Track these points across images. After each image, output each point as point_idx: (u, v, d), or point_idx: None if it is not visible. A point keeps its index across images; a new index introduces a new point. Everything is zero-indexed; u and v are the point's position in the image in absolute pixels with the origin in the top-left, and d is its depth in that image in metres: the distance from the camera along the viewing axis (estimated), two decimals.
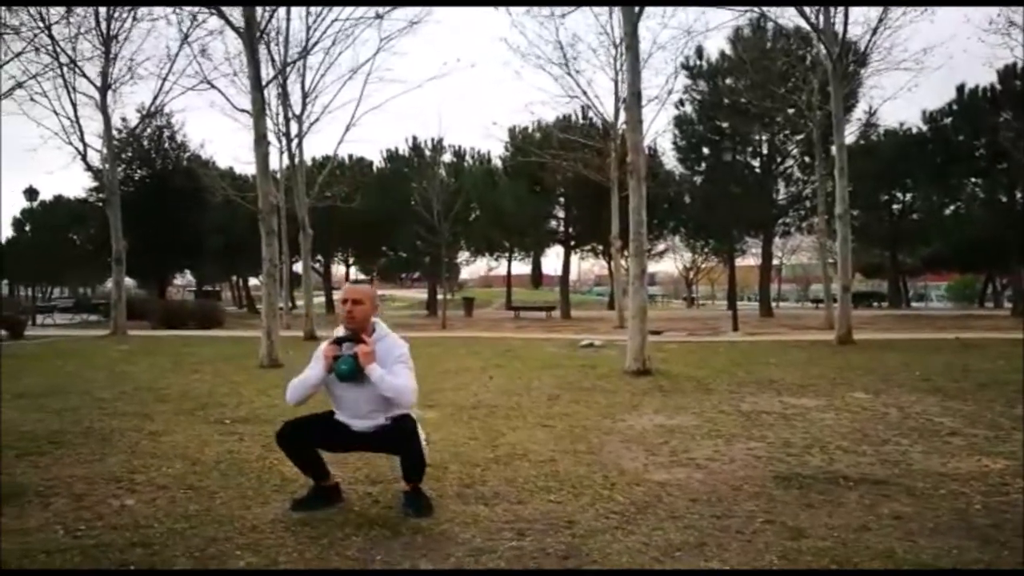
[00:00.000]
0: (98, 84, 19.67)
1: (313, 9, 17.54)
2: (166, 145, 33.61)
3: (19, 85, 19.04)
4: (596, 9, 21.00)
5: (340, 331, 3.54)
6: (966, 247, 32.97)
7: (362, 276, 49.31)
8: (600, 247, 36.36)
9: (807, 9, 15.16)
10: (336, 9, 17.41)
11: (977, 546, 3.03)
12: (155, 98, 21.32)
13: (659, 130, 47.96)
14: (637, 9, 10.40)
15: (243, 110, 14.34)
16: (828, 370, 9.55)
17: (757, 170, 31.22)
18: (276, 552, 3.03)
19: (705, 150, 32.05)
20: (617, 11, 18.11)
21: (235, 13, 12.54)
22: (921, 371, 9.23)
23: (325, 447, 3.66)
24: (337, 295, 3.73)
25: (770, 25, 25.50)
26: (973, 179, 30.96)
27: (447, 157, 37.23)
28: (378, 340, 3.50)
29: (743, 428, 5.65)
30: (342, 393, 3.54)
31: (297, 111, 19.98)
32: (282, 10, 17.33)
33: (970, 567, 2.84)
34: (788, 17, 19.17)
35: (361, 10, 18.45)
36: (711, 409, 6.56)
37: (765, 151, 30.88)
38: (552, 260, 61.02)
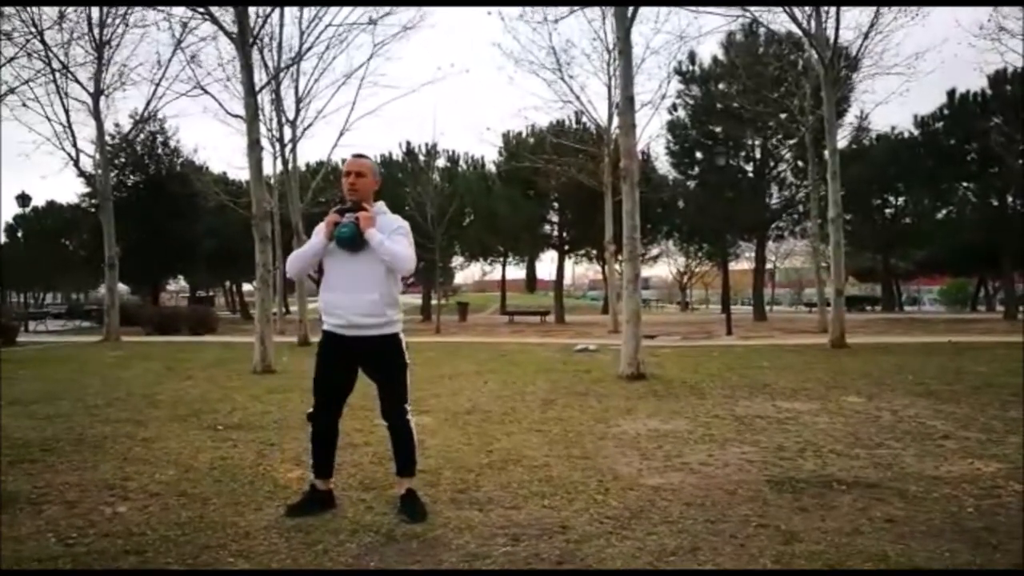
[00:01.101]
0: (90, 90, 19.64)
1: (306, 14, 17.55)
2: (159, 151, 33.50)
3: (11, 91, 19.03)
4: (589, 14, 21.09)
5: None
6: (958, 251, 33.17)
7: None
8: (594, 251, 36.41)
9: (799, 14, 15.27)
10: (330, 14, 17.45)
11: (969, 549, 3.04)
12: (148, 104, 21.35)
13: (652, 135, 47.96)
14: (630, 14, 10.44)
15: (236, 115, 14.36)
16: (821, 374, 9.58)
17: (750, 174, 31.35)
18: (269, 559, 3.02)
19: (698, 154, 32.18)
20: (610, 16, 18.18)
21: (228, 18, 12.55)
22: (914, 375, 9.26)
23: (340, 391, 3.63)
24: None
25: (762, 30, 25.65)
26: (965, 183, 31.12)
27: (441, 162, 37.16)
28: (379, 214, 3.58)
29: (737, 432, 5.66)
30: (340, 267, 3.54)
31: (291, 116, 19.99)
32: (275, 15, 17.33)
33: (962, 569, 2.85)
34: (780, 22, 19.37)
35: (355, 15, 18.52)
36: (705, 413, 6.56)
37: (758, 155, 31.02)
38: (546, 265, 61.15)
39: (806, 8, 15.32)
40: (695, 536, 3.24)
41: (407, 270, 3.54)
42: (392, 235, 3.49)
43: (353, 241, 3.45)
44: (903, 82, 25.75)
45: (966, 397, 7.26)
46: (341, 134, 21.63)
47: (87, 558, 3.04)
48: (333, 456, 3.72)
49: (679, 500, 3.81)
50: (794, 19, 15.15)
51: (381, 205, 3.68)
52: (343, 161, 3.90)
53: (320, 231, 3.56)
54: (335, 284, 3.56)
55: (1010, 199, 29.20)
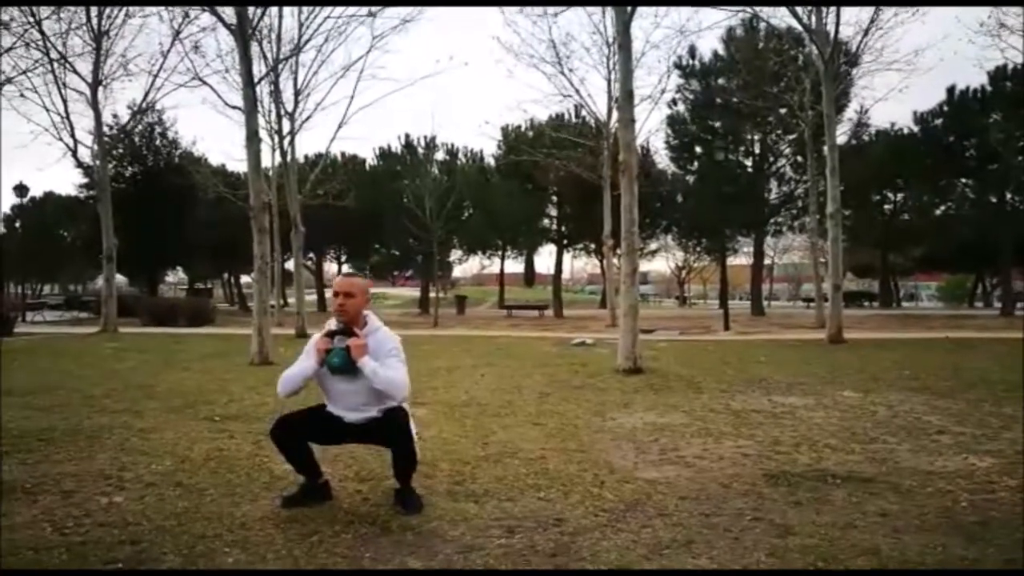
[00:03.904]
0: (89, 80, 19.53)
1: (305, 6, 17.47)
2: (157, 142, 33.40)
3: (9, 80, 18.94)
4: (589, 8, 21.02)
5: (332, 324, 3.55)
6: (956, 247, 33.14)
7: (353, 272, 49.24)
8: (593, 246, 36.41)
9: (799, 9, 15.25)
10: (329, 6, 17.35)
11: (962, 543, 3.05)
12: (146, 94, 21.17)
13: (652, 129, 47.95)
14: (629, 8, 10.39)
15: (235, 107, 14.28)
16: (818, 369, 9.60)
17: (749, 169, 31.29)
18: (265, 549, 3.03)
19: (698, 149, 32.10)
20: (610, 10, 18.12)
21: (227, 10, 12.50)
22: (910, 370, 9.28)
23: (318, 440, 3.67)
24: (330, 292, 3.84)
25: (762, 25, 25.58)
26: (963, 179, 31.09)
27: (440, 155, 37.18)
28: (370, 333, 3.51)
29: (733, 426, 5.67)
30: (334, 386, 3.55)
31: (289, 108, 19.98)
32: (274, 7, 17.28)
33: (955, 565, 2.86)
34: (780, 17, 19.29)
35: (354, 7, 18.40)
36: (701, 407, 6.58)
37: (757, 151, 30.94)
38: (545, 259, 61.12)
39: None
40: (690, 529, 3.26)
41: (401, 398, 3.49)
42: (385, 360, 3.44)
43: (345, 370, 3.42)
44: (903, 78, 25.90)
45: (962, 393, 7.28)
46: (340, 126, 21.70)
47: (82, 548, 3.04)
48: (312, 458, 3.64)
49: (674, 493, 3.82)
50: (795, 15, 15.15)
51: (373, 321, 3.58)
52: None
53: (311, 353, 3.51)
54: (334, 401, 3.60)
55: (1009, 196, 29.18)
